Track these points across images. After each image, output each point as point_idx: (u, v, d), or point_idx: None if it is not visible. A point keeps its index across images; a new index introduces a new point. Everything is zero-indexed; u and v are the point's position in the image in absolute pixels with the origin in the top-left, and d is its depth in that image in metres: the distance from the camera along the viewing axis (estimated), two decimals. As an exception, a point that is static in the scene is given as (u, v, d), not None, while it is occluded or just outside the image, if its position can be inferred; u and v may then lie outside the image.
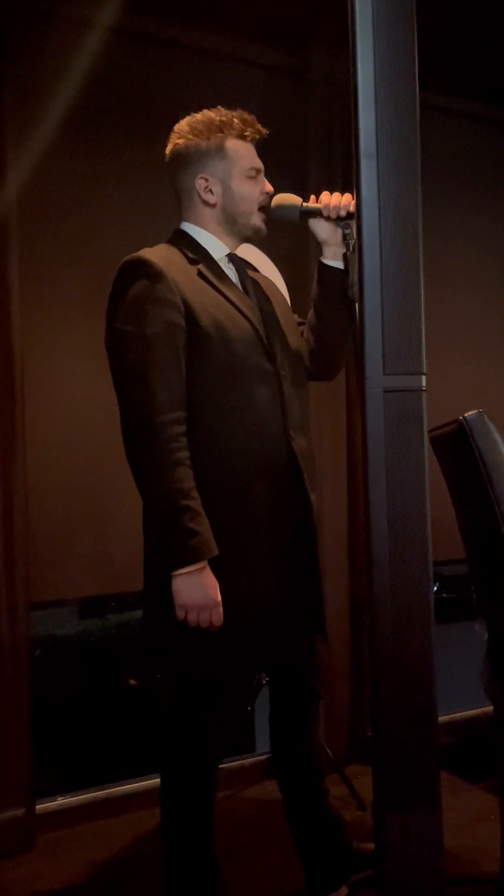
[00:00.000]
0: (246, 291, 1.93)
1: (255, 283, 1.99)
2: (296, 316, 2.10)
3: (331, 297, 1.95)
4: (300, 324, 2.08)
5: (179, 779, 1.86)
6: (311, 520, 1.90)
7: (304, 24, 2.85)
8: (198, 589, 1.70)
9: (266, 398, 1.84)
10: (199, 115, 1.90)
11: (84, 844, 2.53)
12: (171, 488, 1.69)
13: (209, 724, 1.83)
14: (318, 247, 1.96)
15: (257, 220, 1.92)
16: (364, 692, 3.03)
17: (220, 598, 1.71)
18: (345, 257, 1.90)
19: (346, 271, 1.90)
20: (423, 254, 1.34)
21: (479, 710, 3.25)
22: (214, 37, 2.83)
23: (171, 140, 1.92)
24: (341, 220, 1.88)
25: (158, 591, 1.75)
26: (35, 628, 3.58)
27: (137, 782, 2.77)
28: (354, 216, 1.50)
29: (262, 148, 1.95)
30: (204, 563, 1.70)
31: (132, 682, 3.91)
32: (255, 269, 2.10)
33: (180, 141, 1.89)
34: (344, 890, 2.05)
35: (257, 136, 1.92)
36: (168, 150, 1.92)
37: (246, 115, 1.91)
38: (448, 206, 3.36)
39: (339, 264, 1.92)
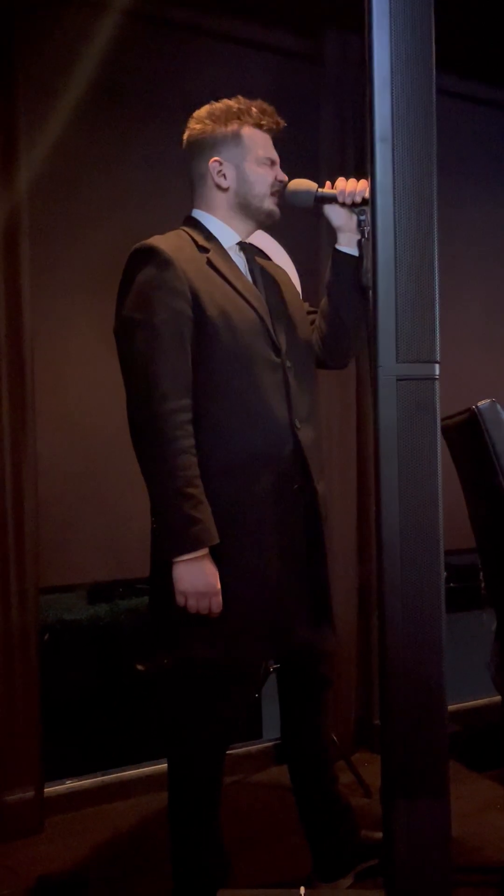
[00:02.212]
0: (254, 281, 1.92)
1: (265, 273, 1.98)
2: (307, 305, 2.09)
3: (344, 284, 1.94)
4: (312, 312, 2.06)
5: (186, 765, 1.87)
6: (318, 509, 1.89)
7: (317, 7, 2.82)
8: (198, 576, 1.70)
9: (271, 389, 1.83)
10: (218, 104, 1.90)
11: (92, 828, 2.55)
12: (174, 475, 1.69)
13: (215, 713, 1.84)
14: (332, 233, 1.95)
15: (270, 203, 1.91)
16: (371, 680, 3.03)
17: (219, 585, 1.72)
18: (359, 244, 1.89)
19: (360, 258, 1.89)
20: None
21: (486, 700, 3.25)
22: (227, 19, 2.80)
23: (188, 126, 1.92)
24: (356, 206, 1.87)
25: (164, 581, 1.75)
26: (44, 613, 3.59)
27: (146, 767, 2.78)
28: (369, 202, 1.48)
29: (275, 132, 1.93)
30: (205, 551, 1.71)
31: (140, 667, 3.92)
32: (267, 258, 2.08)
33: (197, 126, 1.90)
34: (350, 878, 2.06)
35: (274, 127, 1.91)
36: (185, 136, 1.92)
37: (265, 106, 1.90)
38: (456, 196, 3.32)
39: (354, 251, 1.91)
